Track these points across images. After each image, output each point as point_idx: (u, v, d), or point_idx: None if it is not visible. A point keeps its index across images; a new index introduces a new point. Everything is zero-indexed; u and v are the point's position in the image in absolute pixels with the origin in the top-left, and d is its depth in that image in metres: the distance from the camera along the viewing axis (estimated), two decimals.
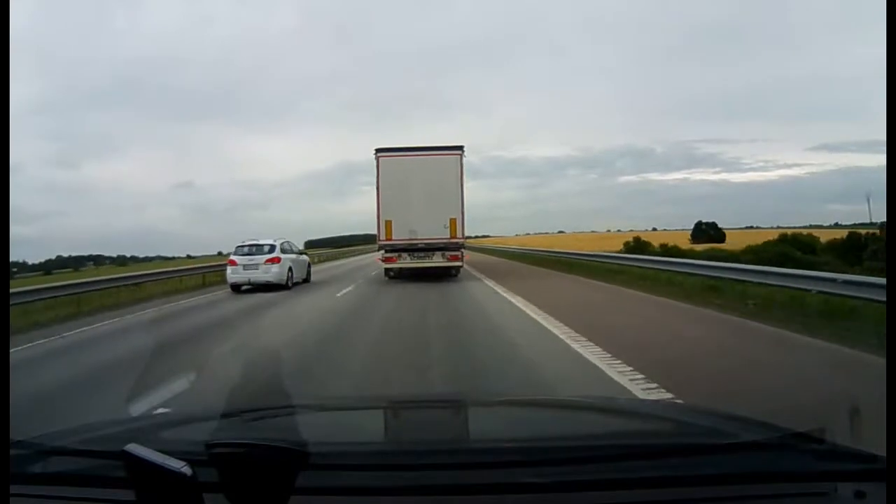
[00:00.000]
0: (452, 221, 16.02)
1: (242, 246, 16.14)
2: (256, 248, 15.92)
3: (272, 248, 15.90)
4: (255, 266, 15.49)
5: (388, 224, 16.13)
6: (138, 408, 3.40)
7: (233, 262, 15.84)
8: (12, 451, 1.17)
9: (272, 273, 15.44)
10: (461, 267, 16.90)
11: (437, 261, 16.22)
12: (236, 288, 15.55)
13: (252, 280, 15.40)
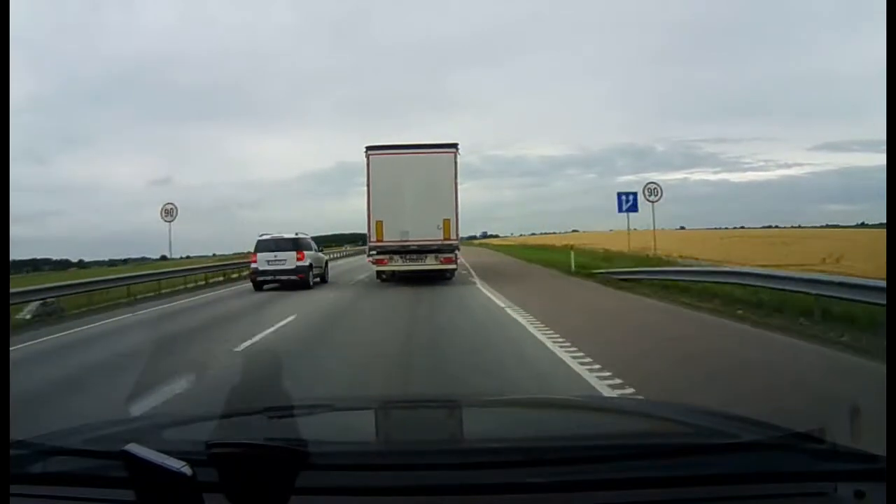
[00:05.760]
0: (446, 222, 15.37)
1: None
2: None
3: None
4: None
5: (379, 225, 15.47)
6: (138, 408, 3.40)
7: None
8: (12, 451, 1.17)
9: None
10: (455, 269, 16.31)
11: (430, 263, 15.51)
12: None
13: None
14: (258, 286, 15.98)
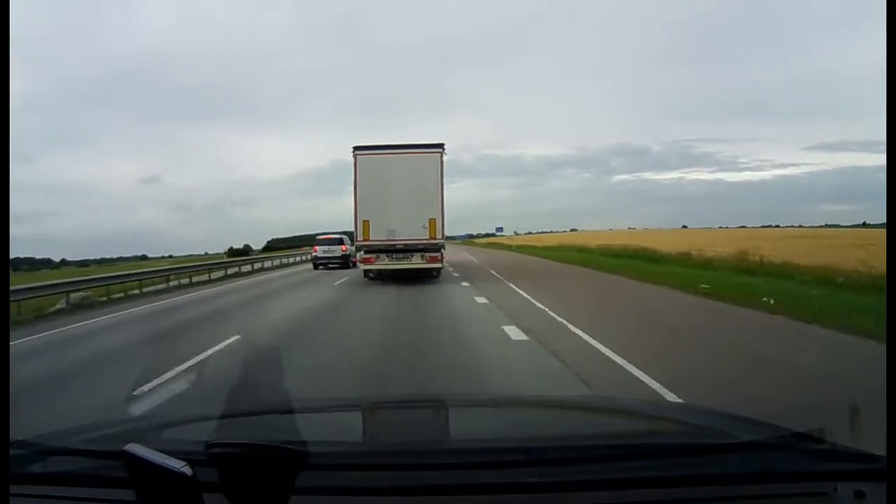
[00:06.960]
0: (432, 222, 15.66)
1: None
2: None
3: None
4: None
5: (366, 224, 15.76)
6: (138, 408, 3.40)
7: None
8: (12, 451, 1.17)
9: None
10: (441, 268, 16.66)
11: (416, 262, 15.85)
12: None
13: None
14: (316, 266, 25.38)
